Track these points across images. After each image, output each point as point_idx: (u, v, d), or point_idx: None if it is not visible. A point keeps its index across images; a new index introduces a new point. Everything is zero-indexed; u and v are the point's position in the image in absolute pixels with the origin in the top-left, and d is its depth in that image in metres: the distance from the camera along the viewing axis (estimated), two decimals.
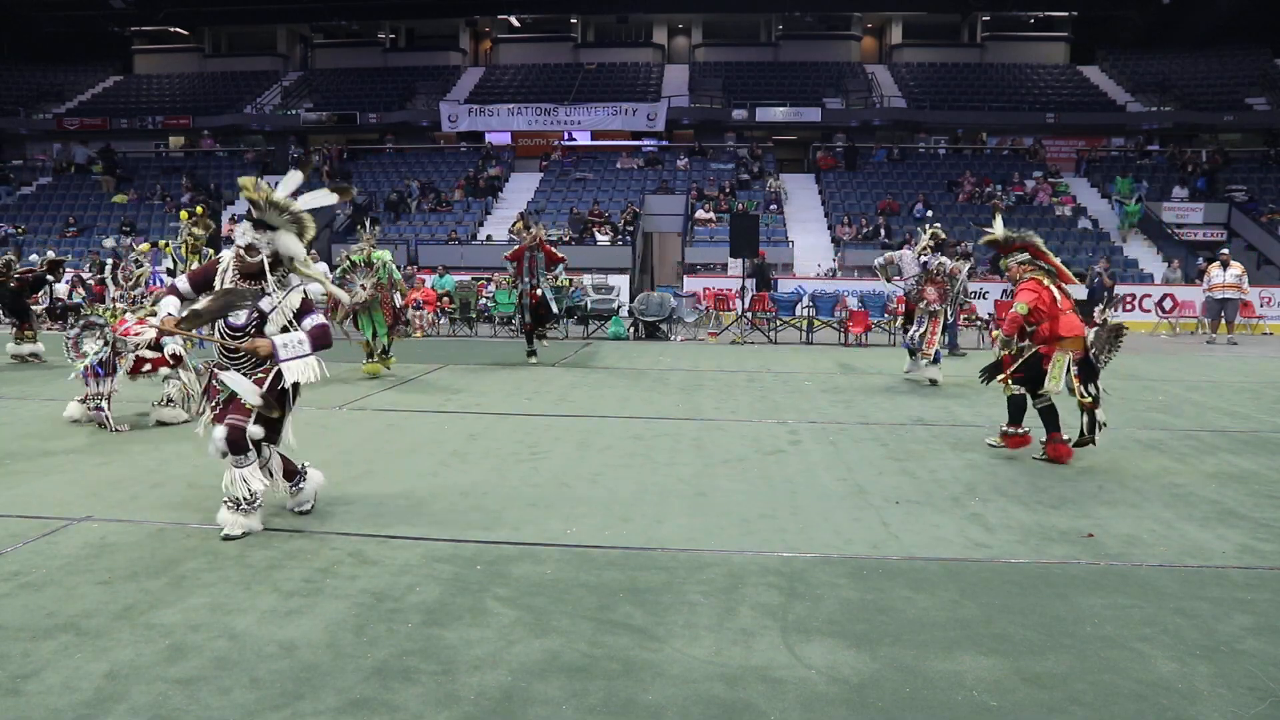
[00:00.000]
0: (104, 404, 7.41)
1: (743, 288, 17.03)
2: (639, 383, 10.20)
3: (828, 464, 6.31)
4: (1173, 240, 22.69)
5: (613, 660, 3.28)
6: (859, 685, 3.11)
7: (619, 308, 17.27)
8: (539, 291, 11.53)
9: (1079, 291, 8.34)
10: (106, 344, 7.54)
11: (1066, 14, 31.57)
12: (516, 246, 11.73)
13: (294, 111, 30.48)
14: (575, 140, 29.64)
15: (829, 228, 23.83)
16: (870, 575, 4.14)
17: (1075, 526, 4.88)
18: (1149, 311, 18.66)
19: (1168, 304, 18.71)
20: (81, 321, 7.86)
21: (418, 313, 16.00)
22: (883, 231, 22.27)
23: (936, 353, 9.97)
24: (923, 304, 10.02)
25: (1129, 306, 18.19)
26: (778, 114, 28.34)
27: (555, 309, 12.26)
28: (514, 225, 12.43)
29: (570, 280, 16.17)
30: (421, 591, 3.88)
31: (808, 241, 22.82)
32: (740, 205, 23.45)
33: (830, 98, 28.78)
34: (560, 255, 11.97)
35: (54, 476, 5.90)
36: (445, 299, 17.64)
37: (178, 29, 34.18)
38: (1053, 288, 6.40)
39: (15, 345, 11.88)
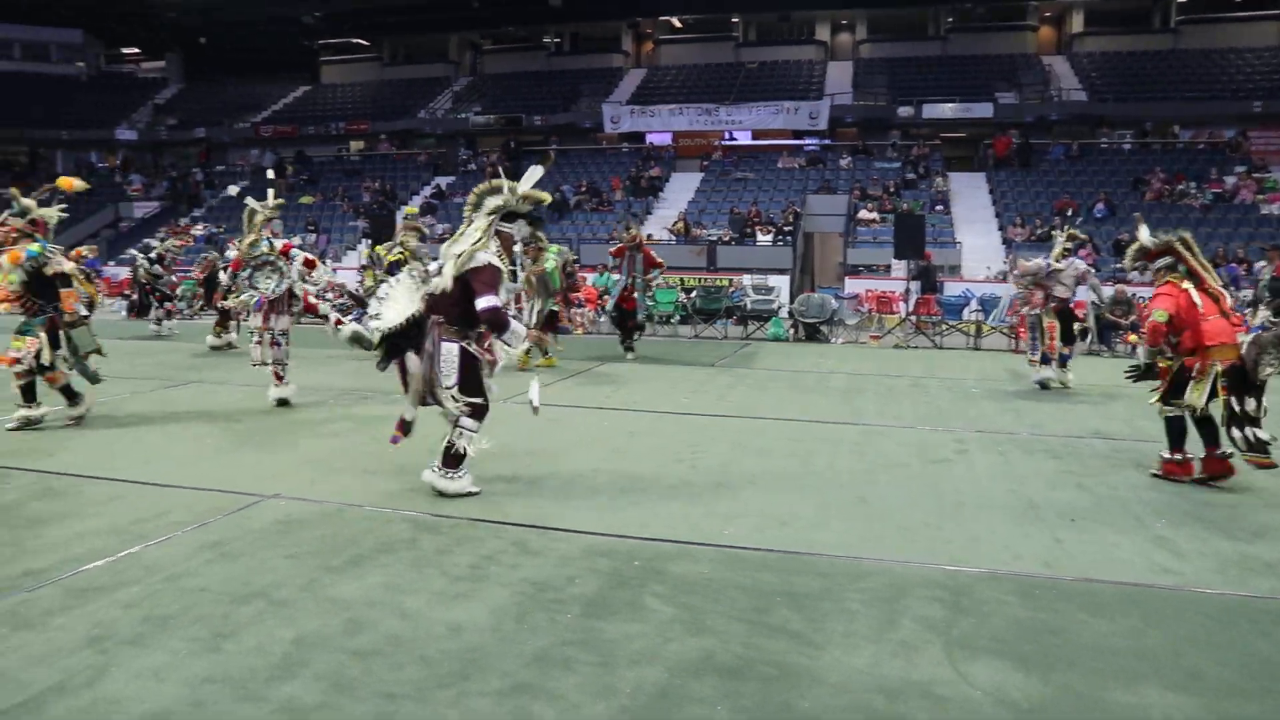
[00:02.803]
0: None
1: (907, 290, 16.52)
2: (798, 385, 10.06)
3: (996, 475, 6.02)
4: None
5: (768, 664, 3.25)
6: (1029, 710, 2.96)
7: (779, 309, 17.10)
8: (634, 295, 12.08)
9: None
10: (285, 278, 8.13)
11: None
12: (619, 245, 12.30)
13: (464, 115, 31.84)
14: (736, 140, 29.53)
15: (999, 229, 22.74)
16: (1042, 594, 3.93)
17: None
18: None
19: None
20: (256, 260, 8.39)
21: (579, 310, 16.35)
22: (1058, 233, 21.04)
23: (1062, 356, 9.74)
24: (1026, 308, 9.99)
25: None
26: (946, 110, 27.27)
27: (641, 317, 12.66)
28: (628, 229, 13.06)
29: (729, 282, 16.18)
30: (581, 584, 3.97)
31: (976, 243, 21.86)
32: (905, 205, 22.75)
33: (1003, 92, 27.43)
34: (659, 260, 12.43)
35: (246, 456, 6.40)
36: (605, 297, 17.95)
37: (360, 40, 36.46)
38: (1192, 291, 5.81)
39: (214, 338, 13.00)
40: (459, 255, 5.06)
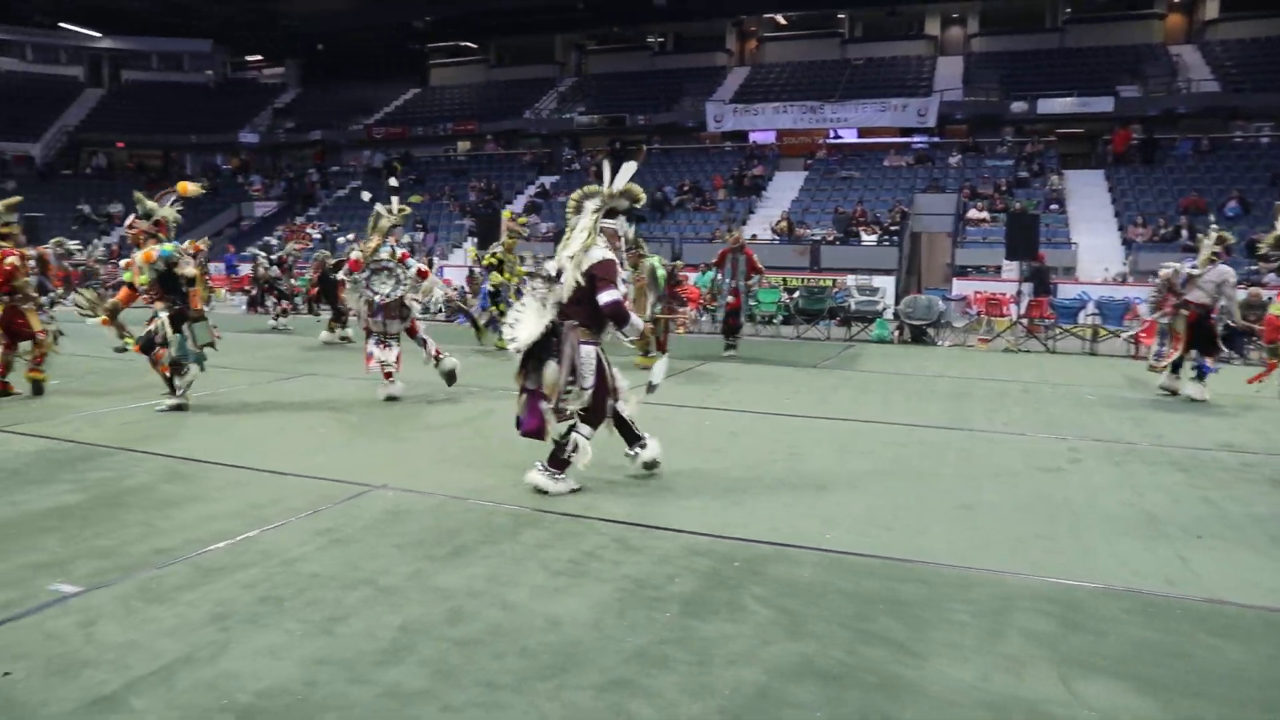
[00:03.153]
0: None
1: (1018, 292, 15.93)
2: (903, 388, 9.83)
3: (1113, 486, 5.75)
4: None
5: (869, 672, 3.18)
6: None
7: (883, 310, 16.74)
8: (738, 298, 12.27)
9: None
10: (400, 284, 8.37)
11: None
12: (724, 248, 12.63)
13: (568, 115, 32.28)
14: (841, 138, 29.07)
15: (1119, 228, 21.72)
16: (1164, 615, 3.72)
17: None
18: None
19: None
20: (373, 264, 8.61)
21: (681, 309, 16.35)
22: (1184, 233, 19.93)
23: (1201, 366, 9.26)
24: (1156, 313, 9.70)
25: None
26: (1062, 105, 26.17)
27: (744, 318, 12.85)
28: (730, 231, 13.41)
29: (832, 282, 15.99)
30: (680, 583, 3.97)
31: (1094, 243, 20.93)
32: (1018, 204, 21.96)
33: (1125, 85, 26.17)
34: (761, 266, 12.65)
35: (356, 447, 6.63)
36: (706, 294, 17.91)
37: (468, 43, 37.38)
38: None
39: (328, 333, 13.54)
40: (573, 257, 5.19)
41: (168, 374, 7.74)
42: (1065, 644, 3.42)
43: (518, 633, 3.44)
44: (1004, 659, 3.29)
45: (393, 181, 9.55)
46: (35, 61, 38.84)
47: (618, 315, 5.20)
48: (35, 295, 8.77)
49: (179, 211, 8.01)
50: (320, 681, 3.04)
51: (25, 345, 8.52)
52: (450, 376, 8.66)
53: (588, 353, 5.24)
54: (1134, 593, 3.95)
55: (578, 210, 5.37)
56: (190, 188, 8.10)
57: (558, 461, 5.30)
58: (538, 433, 5.34)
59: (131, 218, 7.74)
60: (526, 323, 5.28)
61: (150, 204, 7.78)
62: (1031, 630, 3.54)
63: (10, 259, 8.28)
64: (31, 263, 8.96)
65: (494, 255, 12.93)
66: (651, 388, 5.63)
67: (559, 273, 5.27)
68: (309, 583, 3.89)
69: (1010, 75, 28.13)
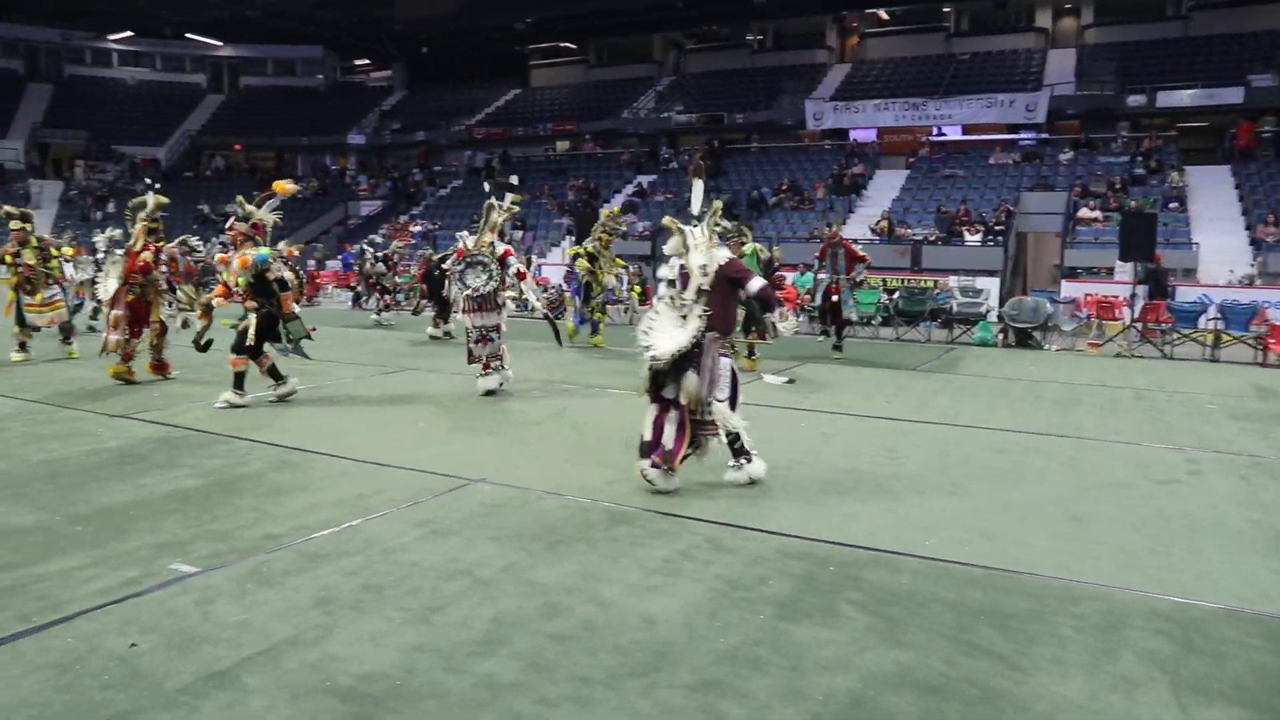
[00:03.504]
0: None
1: (1132, 295, 15.22)
2: (1007, 393, 9.51)
3: (1237, 501, 5.43)
4: None
5: (971, 685, 3.08)
6: None
7: (987, 312, 16.23)
8: (840, 295, 12.12)
9: None
10: (491, 279, 8.52)
11: None
12: (822, 244, 12.73)
13: (666, 114, 32.33)
14: (945, 135, 28.30)
15: (1247, 227, 20.52)
16: None
17: None
18: None
19: None
20: (469, 258, 8.78)
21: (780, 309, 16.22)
22: None
23: None
24: None
25: None
26: (1185, 97, 24.82)
27: (851, 316, 12.67)
28: (829, 226, 13.46)
29: (933, 283, 15.59)
30: (774, 585, 3.92)
31: (1217, 243, 19.80)
32: (1133, 202, 20.99)
33: (1257, 74, 24.63)
34: (862, 254, 12.50)
35: (456, 441, 6.78)
36: (805, 295, 17.70)
37: (567, 43, 37.85)
38: None
39: (433, 328, 13.89)
40: (702, 265, 5.29)
41: (265, 369, 8.08)
42: (1183, 667, 3.24)
43: (611, 629, 3.46)
44: (1115, 678, 3.15)
45: (514, 179, 9.76)
46: (164, 70, 41.30)
47: (766, 299, 5.47)
48: (164, 288, 9.44)
49: (279, 213, 8.32)
50: (418, 669, 3.12)
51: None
52: (490, 392, 8.65)
53: (725, 364, 5.33)
54: (1262, 616, 3.72)
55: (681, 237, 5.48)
56: (288, 186, 8.34)
57: (739, 450, 5.44)
58: (669, 458, 5.22)
59: (231, 220, 8.08)
60: (665, 333, 5.24)
61: (249, 208, 8.09)
62: (1145, 650, 3.37)
63: (146, 254, 9.08)
64: (164, 256, 9.56)
65: (586, 248, 13.05)
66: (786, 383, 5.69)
67: (684, 281, 5.36)
68: (409, 572, 4.00)
69: (1127, 67, 26.87)
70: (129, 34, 38.11)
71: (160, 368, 9.40)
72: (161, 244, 9.49)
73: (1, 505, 4.91)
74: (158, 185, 10.84)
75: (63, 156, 37.60)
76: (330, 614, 3.55)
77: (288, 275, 8.08)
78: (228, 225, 8.14)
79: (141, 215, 9.30)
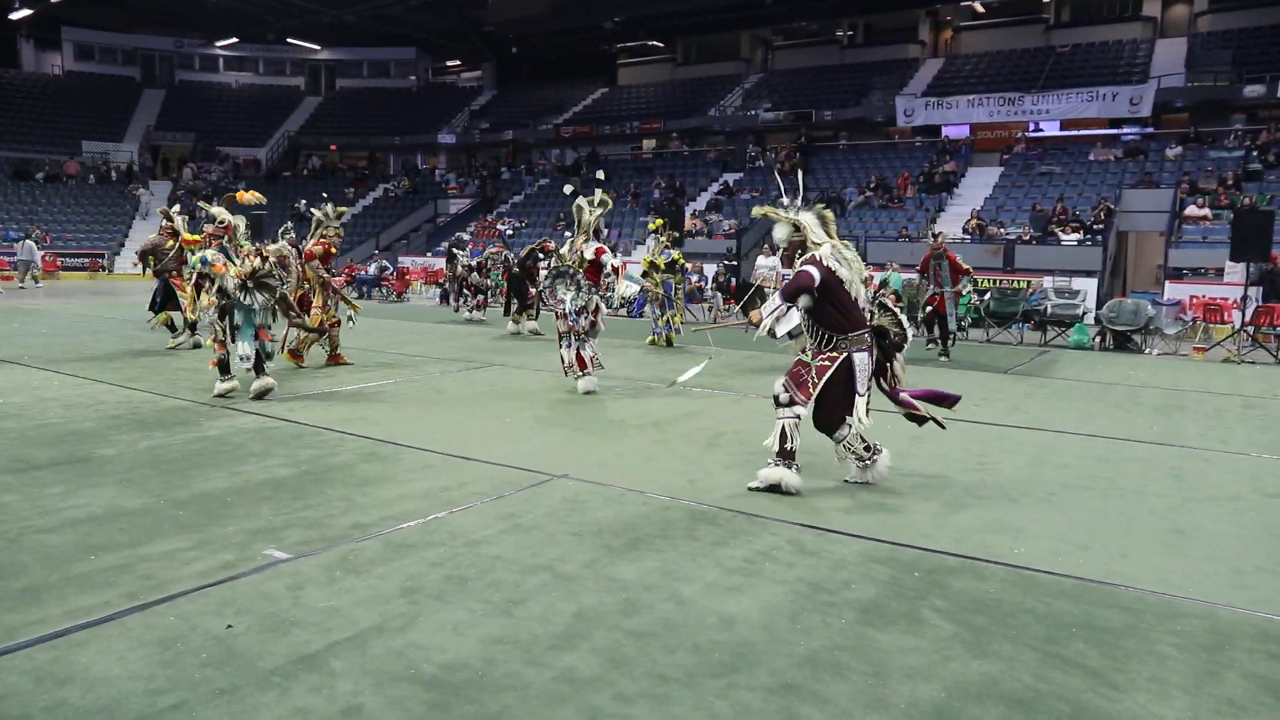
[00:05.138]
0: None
1: (1244, 297, 14.48)
2: (1105, 398, 9.15)
3: None
4: None
5: (1061, 700, 2.97)
6: None
7: (1084, 314, 15.65)
8: (942, 302, 12.13)
9: None
10: (578, 296, 8.54)
11: None
12: (924, 254, 12.75)
13: (753, 112, 32.09)
14: (1042, 131, 27.38)
15: None
16: None
17: None
18: None
19: None
20: (556, 270, 8.84)
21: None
22: None
23: None
24: None
25: None
26: None
27: (952, 325, 12.58)
28: (935, 236, 13.11)
29: (1027, 284, 15.15)
30: (857, 589, 3.85)
31: None
32: (1248, 199, 19.96)
33: None
34: (966, 267, 12.47)
35: (539, 436, 6.85)
36: (893, 297, 17.40)
37: (655, 42, 37.92)
38: None
39: (514, 325, 14.09)
40: (815, 242, 5.41)
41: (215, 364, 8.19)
42: None
43: (690, 628, 3.45)
44: (1220, 701, 2.99)
45: (600, 174, 9.82)
46: (265, 74, 43.01)
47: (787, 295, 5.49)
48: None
49: (254, 215, 8.58)
50: (498, 660, 3.16)
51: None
52: (589, 392, 8.64)
53: (861, 359, 5.34)
54: None
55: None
56: (247, 197, 8.62)
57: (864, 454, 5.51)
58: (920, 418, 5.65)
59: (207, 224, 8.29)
60: (789, 320, 5.51)
61: (214, 209, 8.25)
62: (1254, 673, 3.20)
63: (318, 247, 10.16)
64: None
65: (657, 258, 13.09)
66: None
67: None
68: (491, 564, 4.06)
69: (1244, 55, 25.55)
70: (234, 40, 39.75)
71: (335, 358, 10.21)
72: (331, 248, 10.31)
73: (112, 489, 5.17)
74: (245, 184, 11.40)
75: (171, 157, 39.49)
76: (415, 603, 3.62)
77: (229, 282, 7.83)
78: (204, 227, 8.36)
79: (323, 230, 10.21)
